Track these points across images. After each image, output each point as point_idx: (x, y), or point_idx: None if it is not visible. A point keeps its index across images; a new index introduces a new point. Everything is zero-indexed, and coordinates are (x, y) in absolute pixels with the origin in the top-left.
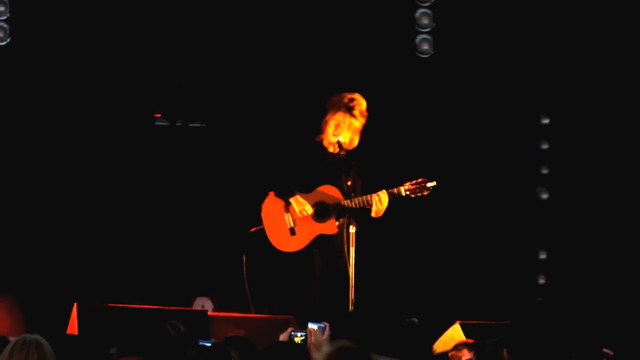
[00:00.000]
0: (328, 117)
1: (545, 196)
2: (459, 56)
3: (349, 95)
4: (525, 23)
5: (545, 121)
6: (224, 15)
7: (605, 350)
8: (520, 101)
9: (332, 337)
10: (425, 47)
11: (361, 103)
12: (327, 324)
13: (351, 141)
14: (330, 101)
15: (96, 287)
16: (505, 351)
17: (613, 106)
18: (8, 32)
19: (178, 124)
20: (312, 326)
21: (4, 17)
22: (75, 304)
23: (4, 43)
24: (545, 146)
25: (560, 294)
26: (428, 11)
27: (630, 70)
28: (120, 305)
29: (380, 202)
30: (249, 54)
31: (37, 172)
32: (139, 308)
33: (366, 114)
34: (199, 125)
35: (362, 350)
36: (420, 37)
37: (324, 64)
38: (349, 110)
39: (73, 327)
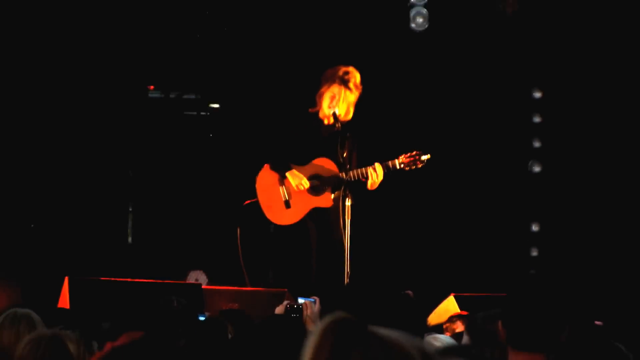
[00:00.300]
0: (323, 89)
1: (537, 169)
2: (453, 30)
3: (344, 68)
4: None
5: (538, 95)
6: None
7: (596, 322)
8: (512, 75)
9: (326, 311)
10: (420, 20)
11: (356, 76)
12: (317, 298)
13: (347, 113)
14: (325, 74)
15: (88, 261)
16: (500, 323)
17: (605, 80)
18: None
19: (172, 95)
20: (301, 301)
21: None
22: (66, 278)
23: None
24: (537, 119)
25: (552, 266)
26: None
27: (621, 44)
28: (112, 279)
29: (376, 174)
30: (244, 26)
31: (28, 145)
32: (132, 282)
33: (361, 86)
34: (193, 97)
35: (359, 321)
36: (414, 10)
37: (320, 37)
38: (344, 82)
39: (64, 301)
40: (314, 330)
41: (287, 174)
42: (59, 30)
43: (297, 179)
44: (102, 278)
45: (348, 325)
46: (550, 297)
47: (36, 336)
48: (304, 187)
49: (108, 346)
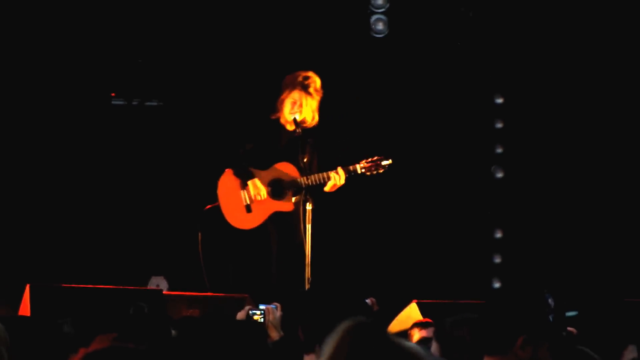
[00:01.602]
0: (284, 95)
1: (500, 175)
2: (414, 36)
3: (304, 74)
4: (479, 2)
5: (499, 100)
6: None
7: (569, 329)
8: (474, 81)
9: (287, 316)
10: (380, 26)
11: (316, 80)
12: (278, 305)
13: (312, 118)
14: (285, 80)
15: (49, 268)
16: (466, 329)
17: (566, 85)
18: None
19: (134, 102)
20: (262, 308)
21: None
22: (27, 285)
23: None
24: (499, 125)
25: (517, 274)
26: None
27: (583, 48)
28: (74, 285)
29: (338, 178)
30: (205, 32)
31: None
32: (94, 288)
33: (321, 91)
34: (155, 103)
35: (378, 326)
36: (375, 16)
37: (281, 43)
38: (305, 88)
39: (25, 309)
40: (333, 333)
41: (249, 183)
42: (21, 35)
43: (256, 190)
44: (64, 285)
45: (366, 330)
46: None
47: None
48: (261, 198)
49: (81, 352)
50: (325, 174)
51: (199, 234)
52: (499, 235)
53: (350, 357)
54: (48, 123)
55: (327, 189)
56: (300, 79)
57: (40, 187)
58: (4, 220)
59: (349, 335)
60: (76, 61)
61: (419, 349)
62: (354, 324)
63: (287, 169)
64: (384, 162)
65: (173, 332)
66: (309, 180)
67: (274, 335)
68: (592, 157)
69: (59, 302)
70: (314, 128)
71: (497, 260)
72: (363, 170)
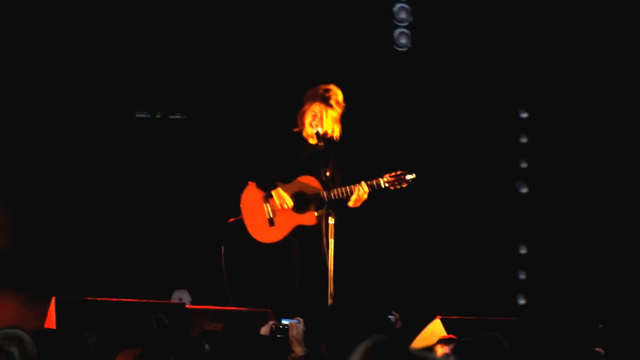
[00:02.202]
0: (305, 108)
1: (524, 190)
2: (437, 50)
3: (324, 87)
4: (504, 16)
5: (524, 115)
6: (203, 7)
7: (597, 349)
8: (499, 95)
9: (311, 331)
10: (403, 40)
11: (337, 93)
12: (300, 320)
13: (333, 131)
14: (307, 93)
15: (74, 281)
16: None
17: (591, 99)
18: None
19: (158, 116)
20: (286, 322)
21: None
22: (53, 298)
23: None
24: (524, 140)
25: (541, 288)
26: (406, 5)
27: (608, 63)
28: (99, 298)
29: (363, 191)
30: (228, 46)
31: (16, 165)
32: (118, 301)
33: (343, 103)
34: (179, 117)
35: (399, 344)
36: (398, 30)
37: (303, 57)
38: (325, 100)
39: (51, 322)
40: (355, 351)
41: (273, 192)
42: (46, 50)
43: (281, 199)
44: (89, 298)
45: (387, 348)
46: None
47: None
48: (287, 207)
49: None
50: (348, 188)
51: (222, 248)
52: (523, 251)
53: None
54: (73, 136)
55: (350, 204)
56: (320, 91)
57: (65, 200)
58: (30, 233)
59: (369, 354)
60: (101, 75)
61: None
62: (374, 343)
63: (309, 183)
64: (408, 177)
65: (207, 346)
66: (332, 194)
67: (298, 350)
68: (618, 172)
69: (84, 315)
70: (337, 141)
71: (522, 276)
72: (386, 184)
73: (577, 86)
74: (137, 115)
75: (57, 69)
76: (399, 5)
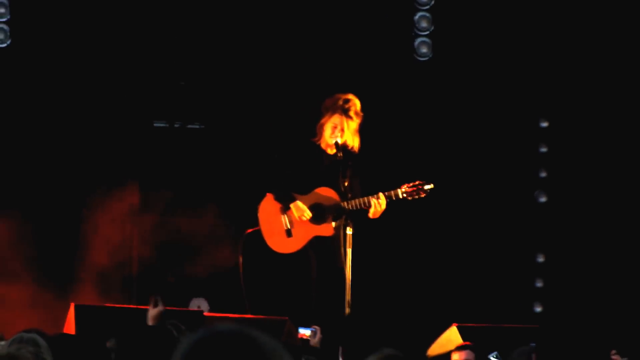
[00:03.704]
0: (324, 120)
1: (543, 199)
2: (458, 59)
3: (344, 97)
4: (524, 26)
5: (544, 124)
6: (222, 16)
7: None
8: (519, 104)
9: (327, 340)
10: (424, 49)
11: (356, 103)
12: (317, 328)
13: (352, 141)
14: (325, 104)
15: (96, 288)
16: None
17: (611, 109)
18: (8, 34)
19: (176, 125)
20: (303, 331)
21: (4, 19)
22: (72, 304)
23: (4, 45)
24: (544, 149)
25: (558, 297)
26: (427, 14)
27: (628, 73)
28: (117, 305)
29: (378, 204)
30: (247, 55)
31: (35, 174)
32: (136, 308)
33: (361, 113)
34: (197, 126)
35: (407, 358)
36: (419, 39)
37: (323, 66)
38: (345, 112)
39: (70, 328)
40: None
41: (291, 206)
42: (65, 59)
43: (300, 211)
44: (107, 305)
45: None
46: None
47: None
48: (306, 219)
49: None
50: (366, 199)
51: (240, 258)
52: (541, 259)
53: None
54: (92, 145)
55: (370, 215)
56: (340, 102)
57: (84, 208)
58: (49, 236)
59: None
60: (119, 84)
61: None
62: (382, 357)
63: (327, 194)
64: (426, 187)
65: None
66: (350, 205)
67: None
68: (637, 183)
69: (102, 321)
70: (356, 151)
71: (539, 284)
72: (404, 195)
73: (597, 96)
74: (155, 125)
75: (75, 78)
76: (420, 14)
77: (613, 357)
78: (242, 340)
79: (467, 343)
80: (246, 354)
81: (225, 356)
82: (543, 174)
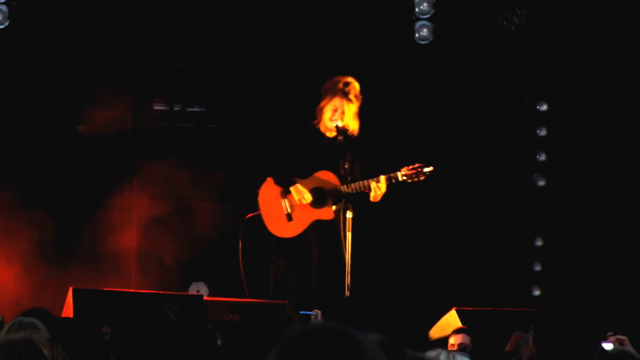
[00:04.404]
0: (324, 102)
1: (542, 183)
2: (458, 42)
3: (344, 80)
4: (524, 9)
5: (543, 108)
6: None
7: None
8: (518, 87)
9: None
10: (425, 33)
11: (355, 87)
12: (318, 312)
13: (353, 125)
14: (325, 87)
15: (94, 272)
16: (531, 340)
17: (611, 92)
18: (7, 15)
19: (176, 108)
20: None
21: (3, 0)
22: (70, 289)
23: (2, 26)
24: (543, 133)
25: (557, 281)
26: None
27: (627, 57)
28: (115, 289)
29: (378, 187)
30: (246, 39)
31: (32, 159)
32: (135, 292)
33: (361, 97)
34: (197, 109)
35: (395, 344)
36: (419, 23)
37: (324, 50)
38: (345, 95)
39: (68, 312)
40: None
41: (291, 189)
42: (64, 40)
43: (300, 194)
44: (106, 289)
45: (384, 347)
46: (583, 313)
47: (9, 341)
48: (306, 202)
49: None
50: (366, 182)
51: (240, 242)
52: (539, 243)
53: None
54: (90, 127)
55: (371, 199)
56: (340, 85)
57: (83, 190)
58: (48, 224)
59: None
60: (118, 67)
61: None
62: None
63: (327, 177)
64: (426, 169)
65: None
66: (350, 189)
67: None
68: (636, 165)
69: (101, 306)
70: (356, 135)
71: (538, 268)
72: (404, 177)
73: (596, 79)
74: (155, 108)
75: (74, 60)
76: None
77: (610, 338)
78: (345, 341)
79: (463, 327)
80: (346, 355)
81: (324, 354)
82: (542, 158)
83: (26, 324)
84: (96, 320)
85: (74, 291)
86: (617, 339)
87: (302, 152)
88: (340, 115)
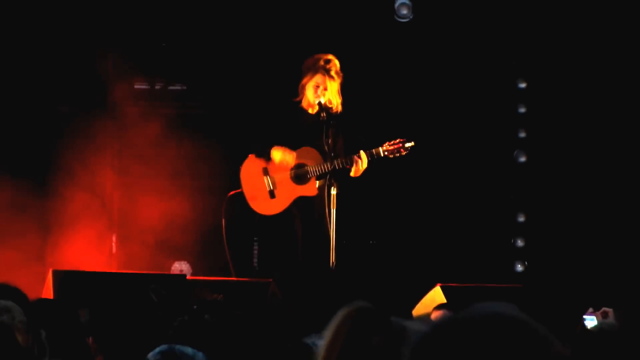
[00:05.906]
0: (305, 79)
1: (523, 159)
2: (438, 21)
3: (325, 57)
4: None
5: (523, 85)
6: None
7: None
8: (497, 65)
9: (311, 299)
10: (404, 11)
11: (336, 64)
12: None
13: (336, 100)
14: (307, 63)
15: (74, 254)
16: None
17: (590, 69)
18: None
19: (157, 86)
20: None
21: None
22: (50, 270)
23: None
24: (522, 110)
25: (539, 256)
26: None
27: (606, 34)
28: (96, 270)
29: (360, 162)
30: (227, 15)
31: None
32: (116, 273)
33: (341, 74)
34: (178, 88)
35: (380, 311)
36: (399, 1)
37: (303, 27)
38: (327, 71)
39: (48, 293)
40: (333, 319)
41: (272, 150)
42: (46, 17)
43: (282, 155)
44: (86, 270)
45: (368, 313)
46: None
47: None
48: (289, 163)
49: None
50: (348, 158)
51: (223, 221)
52: (521, 219)
53: (349, 342)
54: (70, 106)
55: (352, 173)
56: (321, 62)
57: (72, 169)
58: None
59: (349, 320)
60: (99, 45)
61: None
62: (353, 308)
63: (310, 154)
64: (407, 145)
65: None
66: (332, 165)
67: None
68: (615, 142)
69: (81, 287)
70: (339, 111)
71: (520, 243)
72: (386, 153)
73: (575, 56)
74: (136, 87)
75: (56, 38)
76: None
77: (594, 312)
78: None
79: (444, 303)
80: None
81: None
82: (522, 134)
83: (2, 307)
84: (77, 302)
85: (53, 272)
86: (603, 312)
87: (284, 129)
88: (323, 91)
